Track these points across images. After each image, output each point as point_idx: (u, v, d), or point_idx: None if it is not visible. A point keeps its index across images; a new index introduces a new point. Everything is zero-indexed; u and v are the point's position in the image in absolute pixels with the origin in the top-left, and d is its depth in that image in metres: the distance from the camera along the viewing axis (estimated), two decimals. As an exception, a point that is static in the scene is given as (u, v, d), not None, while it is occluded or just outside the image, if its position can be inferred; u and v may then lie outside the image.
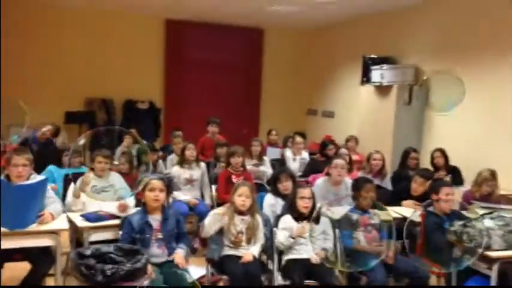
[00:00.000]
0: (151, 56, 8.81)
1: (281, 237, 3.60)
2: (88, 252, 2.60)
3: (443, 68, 6.22)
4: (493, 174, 4.54)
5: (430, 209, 3.90)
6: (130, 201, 3.80)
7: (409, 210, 4.20)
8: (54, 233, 3.25)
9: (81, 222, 3.51)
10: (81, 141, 4.61)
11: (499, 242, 3.31)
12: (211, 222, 3.60)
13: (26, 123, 3.47)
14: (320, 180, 4.78)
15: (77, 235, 3.67)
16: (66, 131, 7.63)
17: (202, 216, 4.69)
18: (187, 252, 3.48)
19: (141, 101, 8.57)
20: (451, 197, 3.75)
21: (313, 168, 5.82)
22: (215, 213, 3.66)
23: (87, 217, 3.56)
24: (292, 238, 3.57)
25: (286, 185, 4.20)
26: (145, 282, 2.70)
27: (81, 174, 4.14)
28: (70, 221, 3.54)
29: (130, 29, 8.49)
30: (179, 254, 3.36)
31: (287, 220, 3.70)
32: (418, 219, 3.93)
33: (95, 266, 2.44)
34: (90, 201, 3.84)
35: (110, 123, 8.19)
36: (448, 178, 5.14)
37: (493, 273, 3.26)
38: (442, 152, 5.43)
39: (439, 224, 3.70)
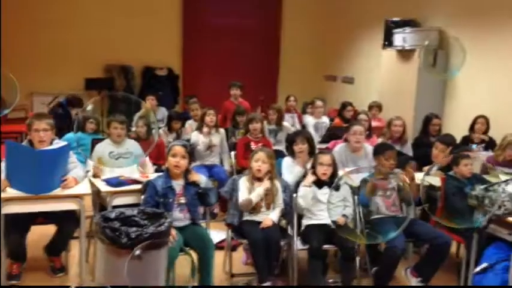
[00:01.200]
0: (169, 23, 8.74)
1: (301, 201, 3.61)
2: (112, 215, 2.64)
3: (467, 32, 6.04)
4: None
5: (451, 173, 3.87)
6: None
7: (432, 178, 4.16)
8: (77, 197, 3.32)
9: (103, 187, 3.56)
10: (89, 107, 4.61)
11: (521, 208, 3.26)
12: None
13: (17, 98, 3.45)
14: (339, 147, 4.73)
15: (99, 199, 3.74)
16: (86, 98, 7.70)
17: (221, 181, 4.75)
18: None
19: (160, 68, 8.55)
20: (470, 166, 3.74)
21: (332, 134, 5.79)
22: (304, 186, 3.67)
23: (108, 182, 3.62)
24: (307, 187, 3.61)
25: (301, 148, 4.14)
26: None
27: (99, 140, 4.29)
28: (92, 185, 3.61)
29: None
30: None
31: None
32: (438, 183, 3.91)
33: (119, 228, 2.48)
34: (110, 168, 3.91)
35: (129, 89, 8.23)
36: (475, 147, 5.04)
37: (515, 239, 3.23)
38: (486, 119, 5.25)
39: (460, 188, 3.66)
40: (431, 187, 4.03)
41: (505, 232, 3.32)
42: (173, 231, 3.09)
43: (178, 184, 3.40)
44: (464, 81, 6.21)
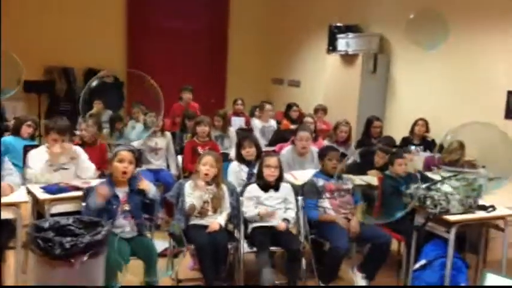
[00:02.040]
0: (113, 23, 8.53)
1: (249, 212, 3.62)
2: (46, 224, 2.53)
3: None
4: (461, 145, 4.72)
5: (387, 172, 4.09)
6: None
7: (373, 179, 4.31)
8: (13, 205, 3.16)
9: (41, 195, 3.41)
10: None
11: (456, 206, 3.42)
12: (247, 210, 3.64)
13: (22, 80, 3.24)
14: (286, 150, 4.80)
15: (38, 207, 3.58)
16: (25, 101, 7.38)
17: (168, 185, 4.69)
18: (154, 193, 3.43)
19: (104, 70, 8.31)
20: (403, 166, 3.97)
21: (279, 137, 5.85)
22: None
23: (47, 189, 3.46)
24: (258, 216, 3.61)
25: (249, 151, 4.19)
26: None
27: (32, 147, 3.92)
28: (30, 193, 3.45)
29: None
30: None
31: (253, 189, 3.72)
32: (376, 183, 4.09)
33: (52, 238, 2.37)
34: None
35: (71, 92, 7.95)
36: (413, 148, 5.26)
37: (451, 236, 3.38)
38: (425, 121, 5.49)
39: (396, 187, 3.81)
40: (369, 186, 4.19)
41: (442, 230, 3.47)
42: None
43: (122, 191, 3.30)
44: (404, 85, 6.47)
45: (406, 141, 5.44)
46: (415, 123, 5.48)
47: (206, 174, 3.59)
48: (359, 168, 4.70)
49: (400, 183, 3.83)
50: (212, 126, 5.39)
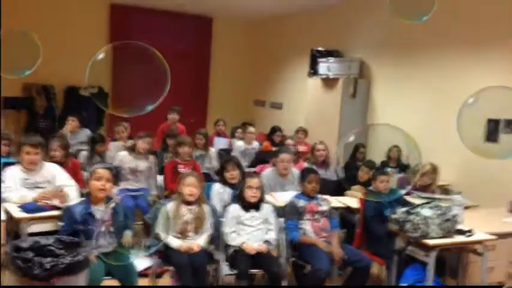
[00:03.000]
0: (96, 42, 8.48)
1: (232, 241, 3.59)
2: (25, 244, 2.46)
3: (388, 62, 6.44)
4: (434, 169, 4.81)
5: (371, 188, 4.20)
6: (71, 191, 3.63)
7: (352, 200, 4.34)
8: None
9: (17, 213, 3.32)
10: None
11: (436, 231, 3.46)
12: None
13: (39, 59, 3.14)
14: (267, 171, 4.81)
15: (14, 227, 3.48)
16: (3, 118, 7.24)
17: (144, 210, 4.60)
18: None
19: (84, 88, 8.24)
20: (385, 183, 4.09)
21: (260, 158, 5.87)
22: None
23: (24, 207, 3.38)
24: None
25: (233, 174, 4.19)
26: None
27: (9, 164, 3.77)
28: (6, 212, 3.36)
29: (73, 13, 8.14)
30: (127, 234, 3.25)
31: (235, 209, 3.70)
32: (357, 206, 4.11)
33: (32, 259, 2.31)
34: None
35: (50, 110, 7.84)
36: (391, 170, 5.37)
37: (431, 260, 3.40)
38: (398, 148, 5.72)
39: (379, 211, 3.84)
40: (348, 210, 4.21)
41: (421, 254, 3.50)
42: (93, 256, 2.93)
43: (99, 210, 3.23)
44: (383, 109, 6.57)
45: (384, 164, 5.67)
46: (389, 150, 5.75)
47: (190, 195, 3.57)
48: (344, 184, 4.80)
49: (383, 205, 3.88)
50: (193, 145, 5.35)
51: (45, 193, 3.52)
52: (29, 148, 3.60)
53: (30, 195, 3.51)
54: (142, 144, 4.93)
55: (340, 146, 4.24)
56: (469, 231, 3.58)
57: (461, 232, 3.57)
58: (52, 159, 4.11)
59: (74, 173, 4.24)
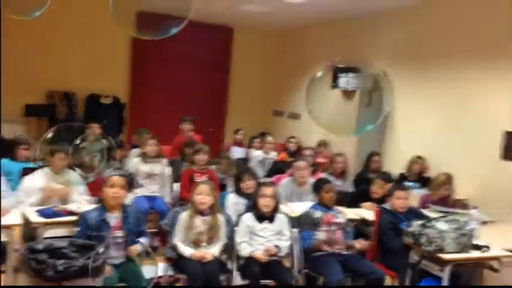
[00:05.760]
0: (118, 50, 8.64)
1: (243, 250, 3.59)
2: (40, 246, 2.52)
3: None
4: (449, 178, 4.66)
5: (386, 206, 3.99)
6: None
7: (368, 212, 4.28)
8: (7, 227, 3.15)
9: (35, 218, 3.40)
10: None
11: (451, 245, 3.40)
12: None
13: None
14: (285, 181, 4.82)
15: (30, 231, 3.55)
16: (24, 124, 7.42)
17: (162, 213, 4.67)
18: (145, 250, 3.41)
19: (105, 96, 8.40)
20: (402, 200, 3.86)
21: (277, 169, 5.87)
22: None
23: (42, 212, 3.46)
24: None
25: (249, 184, 4.20)
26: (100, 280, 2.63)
27: (31, 169, 3.98)
28: (24, 216, 3.43)
29: (96, 22, 8.31)
30: (134, 247, 3.29)
31: (248, 219, 3.70)
32: (372, 218, 4.03)
33: (46, 260, 2.37)
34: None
35: (71, 117, 7.99)
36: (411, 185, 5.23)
37: (445, 275, 3.35)
38: (422, 159, 5.45)
39: (395, 224, 3.77)
40: (363, 222, 4.15)
41: (436, 268, 3.44)
42: (108, 267, 2.97)
43: (113, 217, 3.28)
44: (401, 120, 6.51)
45: (403, 178, 5.42)
46: (412, 161, 5.48)
47: (202, 203, 3.58)
48: (353, 200, 4.69)
49: (399, 219, 3.79)
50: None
51: (49, 191, 3.60)
52: (63, 155, 3.98)
53: (27, 200, 3.63)
54: (150, 148, 5.02)
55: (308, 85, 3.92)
56: (486, 246, 3.51)
57: (477, 247, 3.50)
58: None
59: (99, 180, 4.32)
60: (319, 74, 3.87)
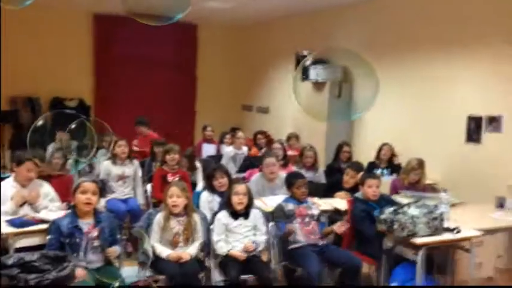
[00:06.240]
0: (80, 52, 8.47)
1: (220, 249, 3.59)
2: (10, 261, 2.45)
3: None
4: (420, 163, 4.76)
5: (358, 194, 4.06)
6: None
7: (342, 202, 4.35)
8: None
9: (5, 228, 3.30)
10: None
11: (424, 229, 3.49)
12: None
13: None
14: (255, 176, 4.82)
15: (1, 242, 3.45)
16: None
17: (134, 214, 4.63)
18: (124, 251, 3.38)
19: (70, 99, 8.21)
20: (374, 188, 3.93)
21: (248, 163, 5.87)
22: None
23: (12, 222, 3.36)
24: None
25: (221, 182, 4.20)
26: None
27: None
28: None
29: (56, 24, 8.11)
30: (113, 248, 3.27)
31: (223, 217, 3.70)
32: (345, 207, 4.08)
33: (17, 276, 2.30)
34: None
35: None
36: (381, 172, 5.33)
37: (419, 259, 3.43)
38: (390, 146, 5.57)
39: (367, 212, 3.84)
40: (336, 212, 4.20)
41: (410, 253, 3.53)
42: (80, 271, 2.92)
43: (86, 223, 3.23)
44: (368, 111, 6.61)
45: (373, 166, 5.52)
46: (380, 149, 5.59)
47: (174, 206, 3.56)
48: (326, 190, 4.74)
49: (372, 207, 3.85)
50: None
51: (19, 196, 3.53)
52: (31, 165, 3.67)
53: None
54: (120, 150, 4.97)
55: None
56: (456, 228, 3.62)
57: (448, 230, 3.60)
58: (51, 171, 4.28)
59: (67, 187, 4.18)
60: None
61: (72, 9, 8.15)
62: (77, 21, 8.35)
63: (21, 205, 3.59)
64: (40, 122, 4.25)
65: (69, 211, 3.34)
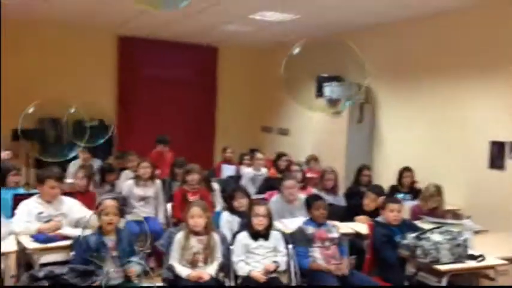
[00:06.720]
0: (104, 73, 8.66)
1: (240, 270, 3.59)
2: (41, 274, 2.51)
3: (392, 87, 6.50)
4: (438, 189, 4.72)
5: (379, 219, 4.02)
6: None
7: (362, 226, 4.31)
8: (1, 255, 3.11)
9: (30, 244, 3.36)
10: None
11: (447, 256, 3.44)
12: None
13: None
14: (275, 198, 4.83)
15: (25, 257, 3.51)
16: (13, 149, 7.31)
17: (156, 234, 4.64)
18: (143, 270, 3.40)
19: (91, 119, 8.34)
20: (396, 213, 3.89)
21: (268, 185, 5.87)
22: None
23: (36, 238, 3.42)
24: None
25: (241, 202, 4.22)
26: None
27: (23, 196, 3.83)
28: (18, 243, 3.39)
29: (82, 46, 8.33)
30: (132, 267, 3.32)
31: (243, 238, 3.71)
32: (366, 231, 4.04)
33: (48, 288, 2.35)
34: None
35: (60, 141, 7.92)
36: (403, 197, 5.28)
37: (442, 286, 3.37)
38: (410, 171, 5.50)
39: (389, 236, 3.80)
40: (358, 236, 4.16)
41: (433, 279, 3.47)
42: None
43: (110, 239, 3.36)
44: (389, 133, 6.61)
45: (394, 190, 5.47)
46: (401, 173, 5.54)
47: (195, 226, 3.59)
48: (346, 214, 4.70)
49: (393, 232, 3.81)
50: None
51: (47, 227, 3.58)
52: (54, 182, 3.72)
53: (34, 227, 3.55)
54: (143, 170, 5.03)
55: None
56: (481, 256, 3.55)
57: (472, 257, 3.54)
58: (75, 188, 4.41)
59: (91, 204, 4.27)
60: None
61: (98, 32, 8.37)
62: (102, 43, 8.56)
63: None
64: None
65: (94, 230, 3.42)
